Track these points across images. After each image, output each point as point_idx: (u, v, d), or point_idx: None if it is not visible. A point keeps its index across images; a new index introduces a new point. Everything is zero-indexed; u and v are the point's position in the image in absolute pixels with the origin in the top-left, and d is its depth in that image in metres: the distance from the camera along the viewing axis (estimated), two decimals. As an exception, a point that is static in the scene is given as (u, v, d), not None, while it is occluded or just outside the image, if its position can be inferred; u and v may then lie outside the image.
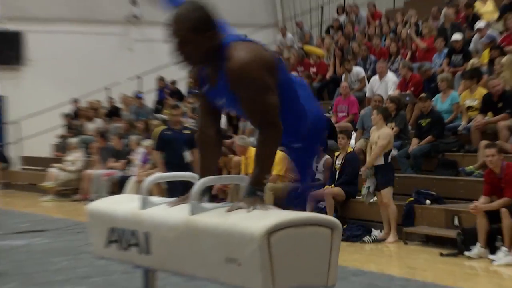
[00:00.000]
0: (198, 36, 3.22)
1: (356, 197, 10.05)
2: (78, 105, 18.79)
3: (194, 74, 3.57)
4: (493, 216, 7.88)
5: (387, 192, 9.23)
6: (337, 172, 10.05)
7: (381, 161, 9.26)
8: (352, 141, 11.27)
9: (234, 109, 3.49)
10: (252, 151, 11.40)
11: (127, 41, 21.08)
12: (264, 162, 3.30)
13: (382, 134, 9.32)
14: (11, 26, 19.95)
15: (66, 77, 19.98)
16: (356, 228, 9.40)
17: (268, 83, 3.22)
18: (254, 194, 3.21)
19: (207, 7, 3.27)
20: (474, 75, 10.76)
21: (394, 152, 9.77)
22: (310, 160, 4.09)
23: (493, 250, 7.86)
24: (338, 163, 10.09)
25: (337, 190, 9.89)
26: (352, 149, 10.32)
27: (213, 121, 3.54)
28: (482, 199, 8.11)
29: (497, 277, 7.35)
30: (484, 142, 9.77)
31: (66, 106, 18.93)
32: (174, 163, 9.79)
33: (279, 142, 3.31)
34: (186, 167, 9.20)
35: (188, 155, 10.03)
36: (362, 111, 11.97)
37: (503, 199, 7.91)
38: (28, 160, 19.00)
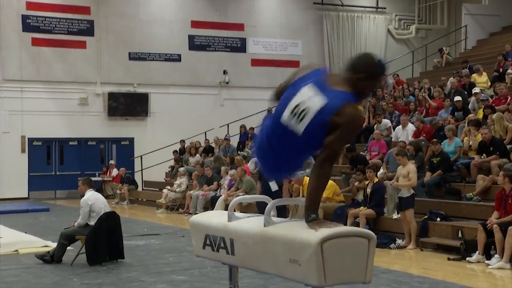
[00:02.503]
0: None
1: (384, 214, 9.84)
2: (184, 144, 19.00)
3: None
4: (488, 231, 7.64)
5: (409, 212, 9.02)
6: (368, 197, 9.87)
7: (407, 194, 9.07)
8: (381, 171, 11.17)
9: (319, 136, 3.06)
10: (306, 180, 11.29)
11: (219, 99, 21.30)
12: (315, 199, 3.00)
13: (412, 170, 9.15)
14: (140, 90, 20.44)
15: (176, 125, 20.33)
16: (384, 238, 9.19)
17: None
18: (312, 218, 2.94)
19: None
20: (476, 124, 10.61)
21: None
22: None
23: (488, 256, 7.62)
24: (368, 190, 9.91)
25: (369, 211, 9.71)
26: (377, 180, 10.13)
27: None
28: (495, 214, 7.80)
29: (491, 277, 7.09)
30: (480, 176, 9.52)
31: (176, 145, 19.17)
32: (265, 191, 8.88)
33: (326, 183, 3.06)
34: (274, 195, 7.85)
35: (274, 185, 8.90)
36: (388, 152, 11.83)
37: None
38: (148, 183, 19.23)
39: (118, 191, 18.18)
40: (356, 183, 10.57)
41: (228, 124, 19.32)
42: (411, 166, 9.27)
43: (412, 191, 9.17)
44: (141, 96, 20.34)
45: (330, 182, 11.07)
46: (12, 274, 7.17)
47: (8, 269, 7.47)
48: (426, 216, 9.20)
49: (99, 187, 17.64)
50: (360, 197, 10.35)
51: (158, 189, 17.51)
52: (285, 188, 8.89)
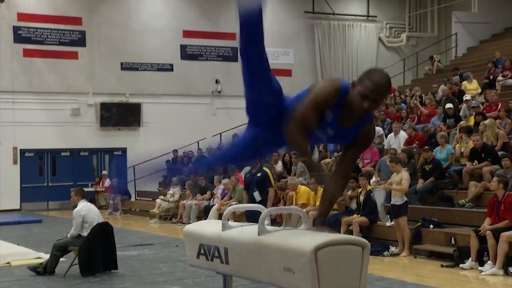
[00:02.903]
0: None
1: (377, 222, 9.85)
2: (177, 154, 18.97)
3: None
4: (481, 238, 7.65)
5: (403, 220, 9.04)
6: (361, 205, 9.88)
7: (400, 202, 9.09)
8: (373, 179, 11.18)
9: (333, 143, 3.45)
10: (300, 188, 11.28)
11: (212, 109, 21.31)
12: (329, 206, 3.23)
13: (404, 176, 9.17)
14: (133, 100, 20.43)
15: (169, 134, 20.30)
16: (378, 245, 9.20)
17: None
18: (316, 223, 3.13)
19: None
20: (467, 131, 10.66)
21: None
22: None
23: (481, 263, 7.64)
24: (361, 198, 9.92)
25: (363, 219, 9.73)
26: (370, 187, 10.15)
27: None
28: (487, 220, 7.83)
29: (484, 284, 7.10)
30: (472, 183, 9.55)
31: (169, 154, 19.13)
32: (251, 201, 8.63)
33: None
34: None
35: (257, 195, 8.72)
36: (380, 160, 11.85)
37: (505, 221, 7.62)
38: (141, 193, 19.18)
39: (111, 202, 18.12)
40: (349, 192, 10.59)
41: (220, 133, 19.31)
42: (404, 173, 9.30)
43: (405, 199, 9.19)
44: (133, 106, 20.31)
45: (304, 188, 11.10)
46: (4, 287, 7.13)
47: (1, 282, 7.42)
48: (419, 223, 9.22)
49: (91, 198, 17.57)
50: (353, 205, 10.37)
51: (151, 199, 17.46)
52: (270, 198, 8.83)
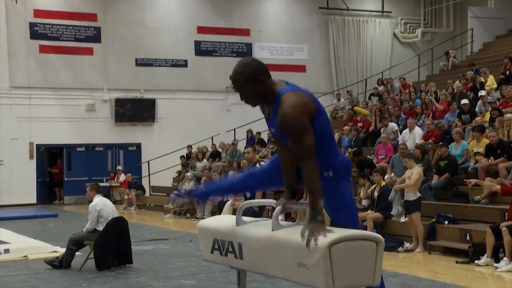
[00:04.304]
0: (254, 83, 3.12)
1: (392, 218, 9.82)
2: (191, 149, 19.03)
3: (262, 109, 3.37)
4: (497, 234, 7.58)
5: (416, 216, 8.99)
6: (375, 200, 9.85)
7: (414, 197, 9.04)
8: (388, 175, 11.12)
9: (282, 138, 3.27)
10: None
11: (226, 104, 21.31)
12: (313, 190, 3.06)
13: (415, 170, 9.13)
14: (147, 95, 20.50)
15: (183, 130, 20.36)
16: (392, 241, 9.16)
17: (306, 126, 3.05)
18: (315, 219, 2.96)
19: (255, 61, 3.17)
20: (480, 129, 10.53)
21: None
22: (342, 191, 3.38)
23: (497, 259, 7.56)
24: (375, 194, 9.88)
25: (377, 214, 9.69)
26: (385, 183, 10.11)
27: (285, 147, 3.32)
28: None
29: (500, 281, 7.04)
30: (488, 179, 9.47)
31: (183, 150, 19.20)
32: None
33: (318, 172, 3.08)
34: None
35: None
36: (393, 156, 11.79)
37: None
38: (155, 188, 19.26)
39: (125, 197, 18.21)
40: (361, 192, 10.52)
41: (234, 129, 19.33)
42: (416, 169, 9.23)
43: (419, 195, 9.14)
44: (148, 102, 20.39)
45: None
46: (21, 280, 7.19)
47: (18, 275, 7.49)
48: (434, 219, 9.16)
49: (106, 193, 17.67)
50: (364, 202, 10.33)
51: (165, 194, 17.52)
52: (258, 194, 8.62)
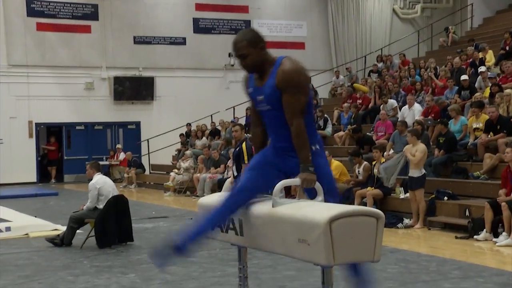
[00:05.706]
0: (254, 49, 3.30)
1: (391, 194, 9.84)
2: (190, 128, 19.01)
3: (244, 79, 3.52)
4: (496, 209, 7.61)
5: (419, 192, 9.00)
6: (375, 177, 9.85)
7: (418, 174, 9.02)
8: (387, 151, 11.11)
9: (267, 104, 3.34)
10: (333, 163, 11.04)
11: (225, 82, 21.25)
12: (305, 145, 3.24)
13: (419, 148, 9.10)
14: (146, 74, 20.41)
15: (182, 108, 20.32)
16: (392, 217, 9.18)
17: (305, 85, 3.27)
18: (307, 170, 3.18)
19: (255, 29, 3.45)
20: (479, 105, 10.50)
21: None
22: (324, 163, 3.47)
23: (496, 234, 7.60)
24: (375, 170, 9.89)
25: (377, 191, 9.71)
26: (384, 160, 10.10)
27: (259, 121, 3.51)
28: (502, 191, 7.79)
29: (499, 255, 7.08)
30: (487, 155, 9.48)
31: (182, 128, 19.18)
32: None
33: (305, 129, 3.25)
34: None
35: (234, 170, 8.47)
36: (394, 132, 11.77)
37: None
38: (155, 167, 19.28)
39: (125, 175, 18.24)
40: (357, 169, 10.50)
41: (234, 107, 19.29)
42: (420, 145, 9.20)
43: (424, 171, 9.11)
44: (146, 80, 20.31)
45: (337, 162, 11.03)
46: (23, 257, 7.23)
47: (19, 252, 7.53)
48: (434, 195, 9.18)
49: (106, 171, 17.69)
50: (360, 178, 10.35)
51: (165, 172, 17.54)
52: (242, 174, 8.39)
